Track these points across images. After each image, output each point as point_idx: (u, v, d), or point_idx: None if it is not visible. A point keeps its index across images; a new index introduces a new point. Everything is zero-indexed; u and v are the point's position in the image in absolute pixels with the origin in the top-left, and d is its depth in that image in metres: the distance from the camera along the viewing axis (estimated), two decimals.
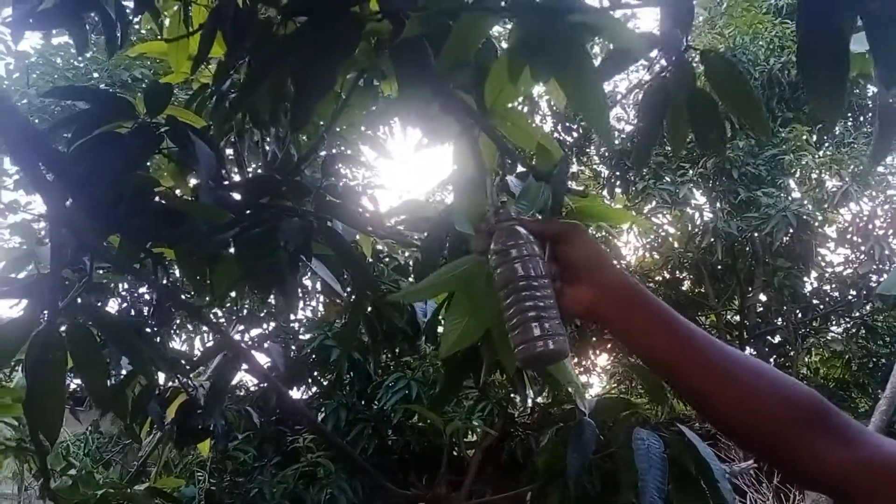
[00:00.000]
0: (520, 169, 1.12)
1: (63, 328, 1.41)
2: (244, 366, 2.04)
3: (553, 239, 0.86)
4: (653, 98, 0.92)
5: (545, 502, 1.37)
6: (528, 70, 0.80)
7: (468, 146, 0.92)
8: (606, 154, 9.38)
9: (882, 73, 0.83)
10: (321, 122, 1.96)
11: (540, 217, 0.97)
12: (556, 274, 0.85)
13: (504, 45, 1.04)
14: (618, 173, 9.22)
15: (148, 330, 2.05)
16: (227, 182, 1.66)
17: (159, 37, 1.75)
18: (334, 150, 2.14)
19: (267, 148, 2.19)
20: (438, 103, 0.96)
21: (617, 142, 8.84)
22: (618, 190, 9.29)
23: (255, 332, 7.81)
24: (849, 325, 9.14)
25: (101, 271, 1.84)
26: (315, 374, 8.11)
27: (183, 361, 2.07)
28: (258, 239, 1.30)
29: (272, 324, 8.01)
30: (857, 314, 8.81)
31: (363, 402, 7.91)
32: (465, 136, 0.93)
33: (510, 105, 1.01)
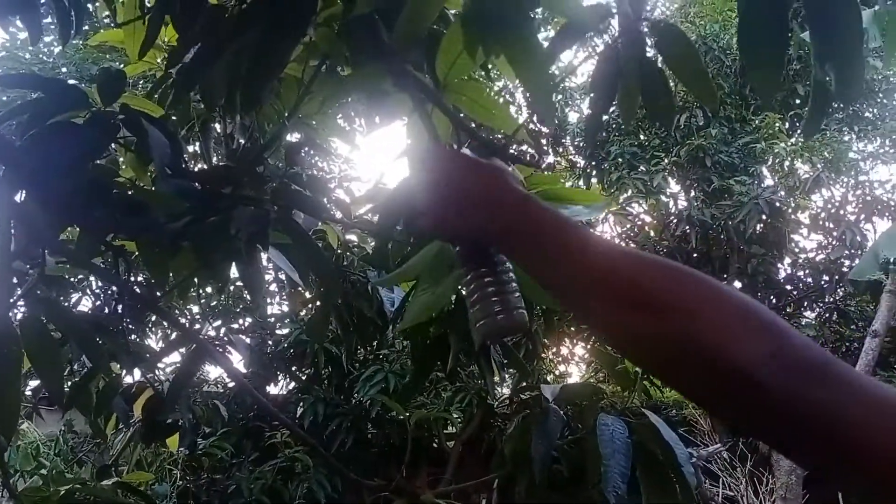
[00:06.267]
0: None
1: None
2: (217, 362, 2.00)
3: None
4: (604, 68, 0.91)
5: (512, 489, 1.36)
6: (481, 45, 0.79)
7: (421, 123, 0.90)
8: (581, 144, 9.41)
9: (818, 49, 0.82)
10: (286, 112, 1.93)
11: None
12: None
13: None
14: (593, 163, 9.26)
15: (119, 325, 2.01)
16: (186, 171, 1.62)
17: (114, 24, 1.71)
18: (297, 138, 2.11)
19: (238, 139, 2.15)
20: (391, 79, 0.94)
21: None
22: (593, 180, 9.33)
23: (232, 327, 7.72)
24: (822, 310, 9.25)
25: (58, 264, 1.79)
26: (293, 368, 8.06)
27: (148, 356, 2.03)
28: (212, 228, 1.27)
29: (248, 319, 7.94)
30: (830, 299, 8.92)
31: (341, 396, 7.87)
32: (417, 113, 0.91)
33: (466, 79, 1.00)
